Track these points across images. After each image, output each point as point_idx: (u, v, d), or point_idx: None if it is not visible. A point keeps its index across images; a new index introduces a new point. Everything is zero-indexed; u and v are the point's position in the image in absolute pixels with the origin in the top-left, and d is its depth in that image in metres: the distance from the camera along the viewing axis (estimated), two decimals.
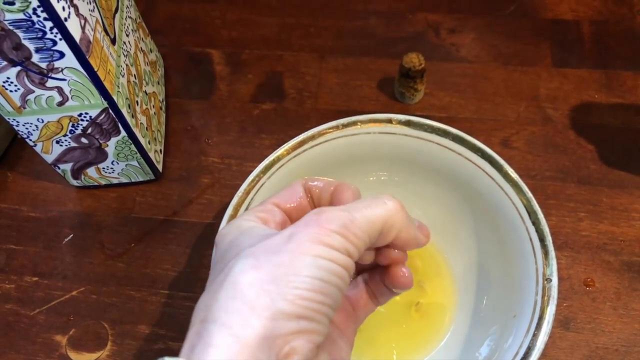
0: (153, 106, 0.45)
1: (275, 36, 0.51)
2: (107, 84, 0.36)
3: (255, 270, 0.21)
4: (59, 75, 0.34)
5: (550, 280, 0.30)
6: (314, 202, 0.27)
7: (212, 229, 0.43)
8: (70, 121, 0.38)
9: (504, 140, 0.45)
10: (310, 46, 0.51)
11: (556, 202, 0.42)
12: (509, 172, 0.34)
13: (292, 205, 0.27)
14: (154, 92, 0.46)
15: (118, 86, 0.38)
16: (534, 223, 0.32)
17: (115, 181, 0.45)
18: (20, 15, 0.30)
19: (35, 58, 0.33)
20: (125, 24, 0.41)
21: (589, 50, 0.48)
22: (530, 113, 0.46)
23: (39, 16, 0.30)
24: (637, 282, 0.39)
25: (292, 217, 0.27)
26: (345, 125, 0.36)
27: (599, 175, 0.43)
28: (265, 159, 0.35)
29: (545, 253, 0.31)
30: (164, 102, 0.48)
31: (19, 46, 0.32)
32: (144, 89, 0.43)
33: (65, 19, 0.31)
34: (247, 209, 0.34)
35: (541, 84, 0.47)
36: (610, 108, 0.46)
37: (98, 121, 0.38)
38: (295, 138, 0.36)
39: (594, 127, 0.45)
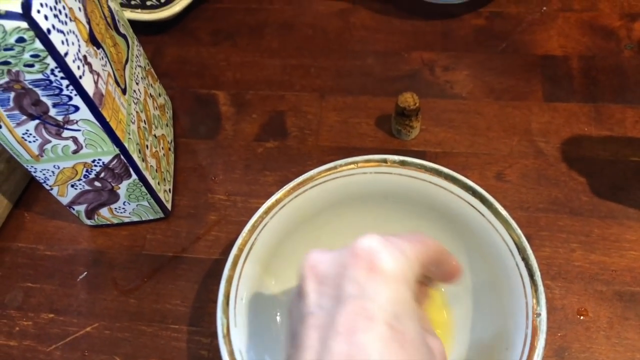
0: (162, 148, 0.47)
1: (277, 77, 0.54)
2: (118, 133, 0.38)
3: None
4: (74, 127, 0.36)
5: (540, 315, 0.32)
6: None
7: (218, 264, 0.45)
8: (85, 167, 0.40)
9: (497, 174, 0.46)
10: (311, 86, 0.53)
11: (549, 234, 0.43)
12: (499, 209, 0.35)
13: None
14: (162, 134, 0.48)
15: (129, 133, 0.40)
16: (523, 259, 0.34)
17: (126, 220, 0.47)
18: (39, 76, 0.32)
19: (53, 112, 0.35)
20: (135, 73, 0.44)
21: (578, 85, 0.50)
22: (523, 147, 0.48)
23: (56, 76, 0.32)
24: (629, 311, 0.40)
25: None
26: (342, 166, 0.38)
27: (590, 206, 0.44)
28: (267, 201, 0.37)
29: (535, 288, 0.32)
30: (173, 143, 0.51)
31: (37, 102, 0.34)
32: (153, 132, 0.46)
33: (80, 77, 0.33)
34: (250, 248, 0.36)
35: (533, 118, 0.49)
36: (600, 140, 0.47)
37: (110, 166, 0.40)
38: (294, 180, 0.38)
39: (584, 160, 0.46)
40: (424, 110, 0.49)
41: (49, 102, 0.34)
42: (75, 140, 0.37)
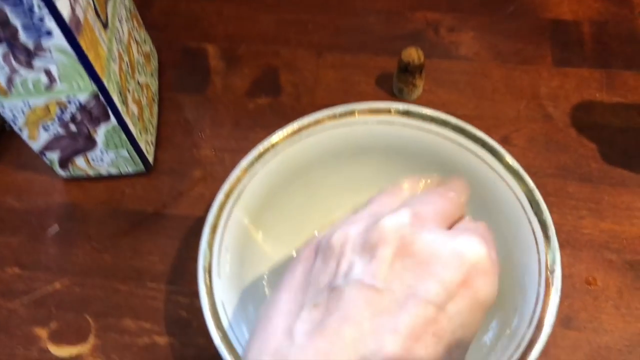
0: (145, 97, 0.44)
1: (272, 32, 0.51)
2: (97, 67, 0.35)
3: None
4: (47, 56, 0.33)
5: (554, 271, 0.29)
6: None
7: (202, 222, 0.41)
8: (58, 106, 0.37)
9: (503, 138, 0.44)
10: (307, 42, 0.50)
11: (557, 200, 0.41)
12: (510, 161, 0.33)
13: None
14: (147, 83, 0.45)
15: (109, 71, 0.37)
16: (536, 213, 0.31)
17: (104, 172, 0.43)
18: None
19: (22, 36, 0.31)
20: (118, 10, 0.40)
21: (589, 51, 0.48)
22: (531, 111, 0.45)
23: None
24: None
25: None
26: (342, 114, 0.35)
27: (600, 173, 0.42)
28: (259, 145, 0.34)
29: (548, 243, 0.30)
30: (157, 95, 0.47)
31: (5, 23, 0.31)
32: (136, 78, 0.42)
33: None
34: (239, 196, 0.33)
35: (542, 83, 0.46)
36: (611, 107, 0.45)
37: (87, 107, 0.37)
38: (290, 125, 0.35)
39: (595, 126, 0.44)
40: (427, 71, 0.46)
41: (18, 23, 0.31)
42: (48, 73, 0.34)
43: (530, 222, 0.31)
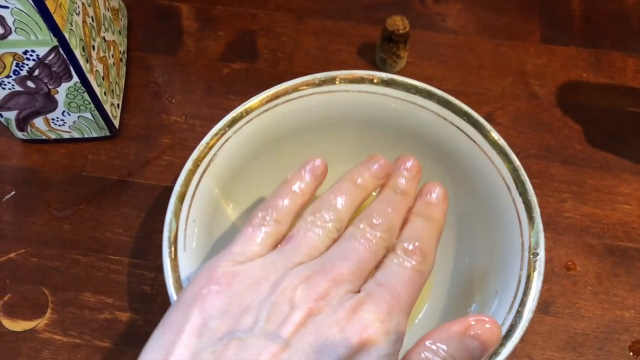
0: (112, 56, 0.41)
1: None
2: (57, 18, 0.32)
3: None
4: (0, 1, 0.30)
5: (537, 255, 0.28)
6: None
7: (170, 191, 0.39)
8: (15, 59, 0.34)
9: (487, 115, 0.42)
10: (287, 6, 0.47)
11: (540, 182, 0.40)
12: (496, 138, 0.31)
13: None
14: (113, 41, 0.42)
15: (71, 23, 0.34)
16: (521, 194, 0.30)
17: (66, 135, 0.41)
18: None
19: None
20: None
21: (578, 28, 0.46)
22: (516, 89, 0.43)
23: None
24: (620, 267, 0.37)
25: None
26: (322, 81, 0.33)
27: (585, 155, 0.41)
28: (233, 111, 0.32)
29: (532, 225, 0.28)
30: (125, 55, 0.44)
31: None
32: (102, 34, 0.39)
33: None
34: (208, 164, 0.31)
35: (528, 60, 0.45)
36: (598, 88, 0.44)
37: (46, 62, 0.34)
38: (267, 91, 0.32)
39: (581, 107, 0.43)
40: (412, 43, 0.44)
41: None
42: (2, 21, 0.31)
43: (514, 202, 0.29)
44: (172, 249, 0.28)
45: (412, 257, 0.24)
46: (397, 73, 0.44)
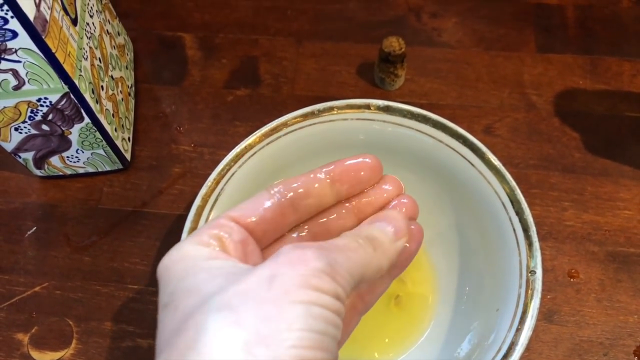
0: (120, 92, 0.43)
1: (250, 20, 0.49)
2: (67, 67, 0.33)
3: (237, 329, 0.16)
4: (13, 57, 0.31)
5: (535, 273, 0.29)
6: (296, 208, 0.22)
7: (183, 220, 0.41)
8: (29, 107, 0.35)
9: (486, 128, 0.43)
10: (287, 30, 0.49)
11: (540, 192, 0.41)
12: (492, 159, 0.32)
13: (256, 219, 0.21)
14: (121, 77, 0.43)
15: (80, 69, 0.35)
16: (517, 213, 0.31)
17: (81, 171, 0.42)
18: None
19: None
20: (88, 4, 0.39)
21: (573, 35, 0.47)
22: (514, 100, 0.44)
23: None
24: (622, 273, 0.38)
25: (256, 233, 0.21)
26: (320, 111, 0.35)
27: (584, 163, 0.42)
28: (236, 147, 0.33)
29: (529, 244, 0.30)
30: (133, 88, 0.46)
31: None
32: (110, 73, 0.41)
33: None
34: (216, 199, 0.32)
35: (525, 70, 0.46)
36: (595, 94, 0.44)
37: (59, 107, 0.36)
38: (267, 125, 0.34)
39: (578, 114, 0.44)
40: (409, 59, 0.45)
41: None
42: (15, 73, 0.33)
43: (511, 222, 0.31)
44: None
45: None
46: (396, 91, 0.45)
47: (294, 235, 0.23)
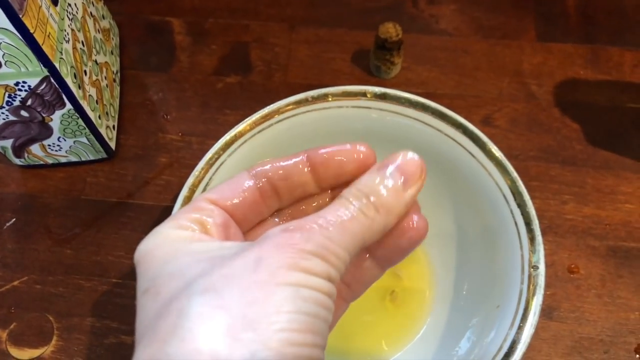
0: (105, 77, 0.41)
1: (241, 4, 0.47)
2: (46, 49, 0.32)
3: (221, 313, 0.15)
4: None
5: (537, 268, 0.28)
6: (278, 190, 0.21)
7: (169, 212, 0.39)
8: (7, 91, 0.34)
9: (485, 118, 0.42)
10: (279, 15, 0.47)
11: (540, 184, 0.39)
12: (493, 150, 0.31)
13: (236, 201, 0.20)
14: (106, 62, 0.42)
15: (61, 52, 0.34)
16: (519, 205, 0.29)
17: (63, 160, 0.41)
18: None
19: None
20: None
21: (574, 24, 0.46)
22: (513, 89, 0.43)
23: None
24: (623, 269, 0.37)
25: (236, 216, 0.20)
26: (315, 99, 0.33)
27: (584, 155, 0.40)
28: (226, 135, 0.32)
29: (532, 238, 0.28)
30: (119, 74, 0.44)
31: None
32: (94, 58, 0.39)
33: None
34: (205, 189, 0.31)
35: (524, 59, 0.44)
36: (596, 85, 0.43)
37: (38, 91, 0.34)
38: (259, 112, 0.32)
39: (579, 105, 0.42)
40: (406, 47, 0.44)
41: None
42: None
43: (513, 215, 0.29)
44: None
45: None
46: (392, 79, 0.44)
47: (276, 219, 0.22)
